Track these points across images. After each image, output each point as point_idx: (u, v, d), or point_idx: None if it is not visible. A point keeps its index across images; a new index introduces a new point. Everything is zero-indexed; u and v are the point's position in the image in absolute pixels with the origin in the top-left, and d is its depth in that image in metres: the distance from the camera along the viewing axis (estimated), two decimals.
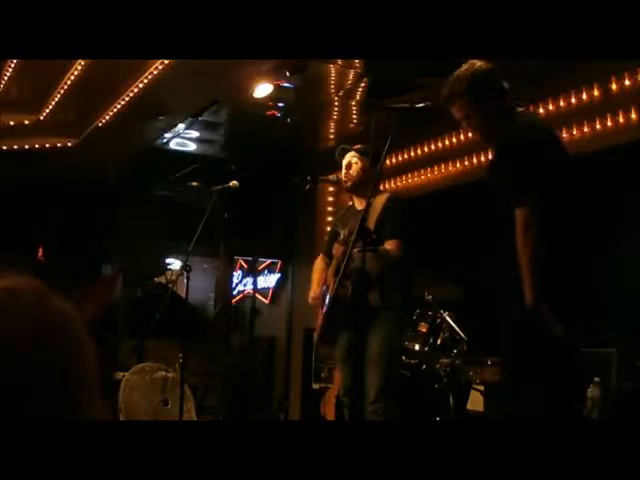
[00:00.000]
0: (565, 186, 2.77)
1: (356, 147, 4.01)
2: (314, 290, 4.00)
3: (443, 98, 2.85)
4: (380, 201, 3.84)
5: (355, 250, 3.20)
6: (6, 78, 5.44)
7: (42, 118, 6.15)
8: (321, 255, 4.17)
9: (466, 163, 5.61)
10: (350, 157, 3.97)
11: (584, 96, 4.68)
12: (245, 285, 8.34)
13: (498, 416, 2.86)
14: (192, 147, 7.27)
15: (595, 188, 4.45)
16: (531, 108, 4.86)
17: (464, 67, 2.83)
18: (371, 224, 3.52)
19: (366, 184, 3.86)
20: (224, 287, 8.37)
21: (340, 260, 3.80)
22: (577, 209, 2.82)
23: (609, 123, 4.54)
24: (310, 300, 4.01)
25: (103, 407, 1.02)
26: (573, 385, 2.79)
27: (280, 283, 8.10)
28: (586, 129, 4.66)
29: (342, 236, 3.77)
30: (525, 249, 2.62)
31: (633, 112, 4.40)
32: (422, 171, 6.09)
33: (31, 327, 0.95)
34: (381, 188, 4.99)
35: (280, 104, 5.91)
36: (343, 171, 3.97)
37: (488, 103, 2.81)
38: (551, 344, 2.58)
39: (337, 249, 3.85)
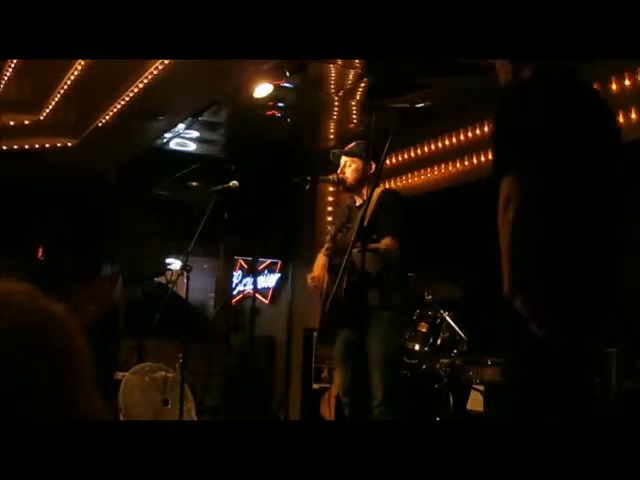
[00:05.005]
0: (568, 162, 2.28)
1: (347, 149, 4.06)
2: (315, 272, 3.96)
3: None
4: (375, 195, 3.86)
5: (355, 250, 3.20)
6: (6, 78, 5.44)
7: (42, 118, 6.15)
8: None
9: (466, 163, 5.61)
10: (343, 160, 4.03)
11: None
12: (245, 285, 8.33)
13: (500, 417, 2.81)
14: (192, 147, 7.27)
15: None
16: None
17: None
18: (366, 219, 3.54)
19: (363, 182, 3.95)
20: (224, 287, 8.37)
21: (332, 261, 3.82)
22: (591, 194, 2.32)
23: None
24: (309, 280, 3.97)
25: (104, 407, 1.01)
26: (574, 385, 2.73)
27: (280, 283, 8.10)
28: None
29: (329, 235, 3.80)
30: (503, 228, 2.16)
31: (633, 112, 4.40)
32: (422, 171, 6.09)
33: (20, 329, 0.95)
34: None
35: (280, 104, 5.91)
36: (338, 173, 4.02)
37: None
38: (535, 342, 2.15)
39: (330, 241, 3.85)
